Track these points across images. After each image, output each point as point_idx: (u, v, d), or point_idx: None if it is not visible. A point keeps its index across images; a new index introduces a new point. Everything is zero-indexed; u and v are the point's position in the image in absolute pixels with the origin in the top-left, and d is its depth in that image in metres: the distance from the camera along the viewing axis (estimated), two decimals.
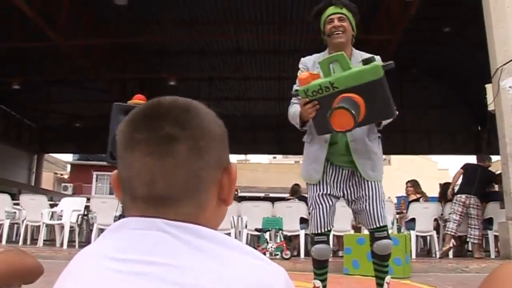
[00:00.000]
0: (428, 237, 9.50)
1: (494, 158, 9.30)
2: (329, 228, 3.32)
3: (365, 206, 3.24)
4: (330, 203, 3.31)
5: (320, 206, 3.32)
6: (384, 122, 3.19)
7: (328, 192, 3.31)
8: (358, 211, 3.32)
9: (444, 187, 9.70)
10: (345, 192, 3.33)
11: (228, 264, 0.79)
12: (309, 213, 3.41)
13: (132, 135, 0.85)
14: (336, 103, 2.78)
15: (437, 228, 8.98)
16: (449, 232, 8.24)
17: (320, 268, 3.42)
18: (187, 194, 0.84)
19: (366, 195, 3.25)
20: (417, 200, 9.48)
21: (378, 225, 3.22)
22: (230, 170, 0.91)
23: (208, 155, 0.86)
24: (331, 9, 3.38)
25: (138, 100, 5.18)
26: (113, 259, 0.80)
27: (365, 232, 6.59)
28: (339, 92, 2.85)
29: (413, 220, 8.60)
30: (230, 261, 0.80)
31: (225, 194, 0.90)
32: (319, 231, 3.31)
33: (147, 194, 0.84)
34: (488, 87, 5.82)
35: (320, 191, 3.34)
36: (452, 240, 8.22)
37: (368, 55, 3.15)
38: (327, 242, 3.33)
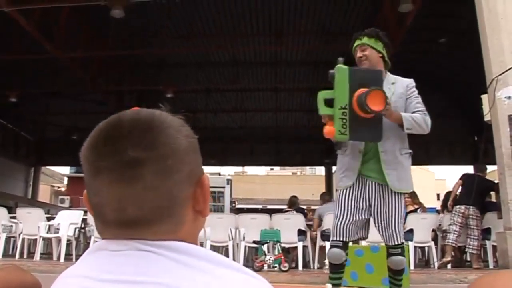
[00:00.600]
0: (426, 248, 9.48)
1: (491, 168, 9.31)
2: (347, 239, 3.57)
3: (387, 223, 3.52)
4: (352, 213, 3.56)
5: (343, 215, 3.57)
6: (408, 127, 3.53)
7: (353, 201, 3.58)
8: (379, 224, 3.57)
9: (447, 196, 9.69)
10: (372, 204, 3.58)
11: (216, 279, 0.77)
12: (333, 218, 3.69)
13: (96, 163, 0.82)
14: (359, 93, 3.30)
15: (435, 239, 8.96)
16: (449, 243, 8.22)
17: (334, 272, 3.65)
18: (161, 215, 0.82)
19: (389, 212, 3.52)
20: (414, 211, 9.47)
21: (394, 243, 3.51)
22: (203, 182, 0.88)
23: (177, 173, 0.83)
24: (355, 43, 3.93)
25: None
26: (98, 280, 0.78)
27: (363, 243, 6.60)
28: (350, 104, 3.34)
29: (411, 231, 8.58)
30: (217, 276, 0.78)
31: (200, 206, 0.87)
32: (336, 238, 3.56)
33: (118, 220, 0.81)
34: (484, 97, 5.84)
35: (346, 198, 3.60)
36: (452, 252, 8.21)
37: (400, 79, 3.82)
38: (342, 247, 3.55)
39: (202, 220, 0.91)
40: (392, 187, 3.52)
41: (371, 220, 3.64)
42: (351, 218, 3.56)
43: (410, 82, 3.83)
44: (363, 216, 3.59)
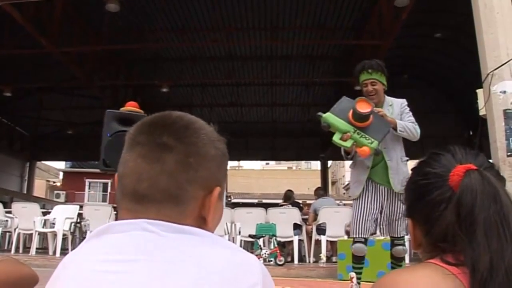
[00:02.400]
0: None
1: None
2: (366, 236, 4.34)
3: (393, 219, 4.31)
4: (367, 214, 4.32)
5: (361, 216, 4.34)
6: (400, 129, 4.28)
7: (368, 204, 4.35)
8: (387, 219, 4.34)
9: None
10: (383, 205, 4.34)
11: (208, 256, 0.85)
12: (351, 221, 4.50)
13: (135, 137, 0.95)
14: (352, 115, 4.00)
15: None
16: None
17: (357, 263, 4.44)
18: (168, 199, 0.91)
19: (394, 210, 4.31)
20: None
21: (398, 235, 4.34)
22: (214, 192, 0.96)
23: (195, 172, 0.93)
24: (364, 75, 4.45)
25: (130, 107, 5.17)
26: (99, 261, 0.85)
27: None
28: (352, 125, 4.05)
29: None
30: (210, 254, 0.86)
31: (205, 212, 0.95)
32: (358, 236, 4.34)
33: (133, 191, 0.92)
34: (479, 92, 5.84)
35: (361, 203, 4.37)
36: None
37: (395, 100, 4.59)
38: (364, 243, 4.35)
39: (206, 230, 0.95)
40: (395, 189, 4.27)
41: (380, 217, 4.37)
42: (368, 218, 4.33)
43: (403, 101, 4.62)
44: (375, 216, 4.34)
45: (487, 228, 0.93)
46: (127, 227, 0.89)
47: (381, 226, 4.41)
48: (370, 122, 4.06)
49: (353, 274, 4.41)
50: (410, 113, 4.54)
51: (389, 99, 4.58)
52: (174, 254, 0.84)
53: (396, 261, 4.45)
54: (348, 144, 4.08)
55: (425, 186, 1.06)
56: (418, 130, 4.42)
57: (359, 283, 4.39)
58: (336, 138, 4.11)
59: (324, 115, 4.15)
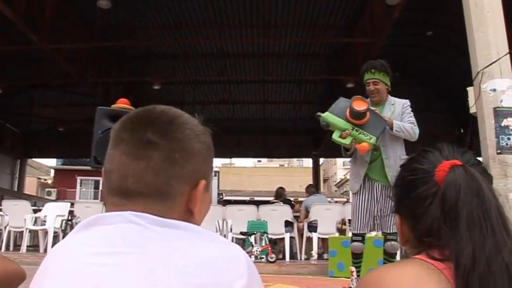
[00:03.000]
0: None
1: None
2: (366, 231, 4.59)
3: (386, 215, 4.45)
4: (367, 211, 4.53)
5: (360, 212, 4.56)
6: (396, 129, 4.49)
7: (365, 200, 4.55)
8: (381, 216, 4.51)
9: None
10: (378, 200, 4.52)
11: (194, 248, 0.86)
12: (351, 216, 4.74)
13: (119, 134, 0.96)
14: (349, 113, 4.26)
15: None
16: None
17: (356, 259, 4.70)
18: (155, 194, 0.92)
19: (388, 207, 4.42)
20: None
21: (391, 231, 4.47)
22: (199, 185, 0.97)
23: (180, 167, 0.93)
24: (367, 75, 4.70)
25: (122, 104, 5.17)
26: (87, 253, 0.86)
27: (350, 234, 6.66)
28: (350, 122, 4.31)
29: None
30: (196, 246, 0.87)
31: (192, 204, 0.96)
32: (356, 232, 4.60)
33: (119, 187, 0.93)
34: (470, 90, 5.87)
35: (359, 199, 4.57)
36: None
37: (397, 100, 4.82)
38: (361, 241, 4.62)
39: (193, 223, 0.96)
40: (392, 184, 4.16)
41: (375, 213, 4.56)
42: (366, 216, 4.55)
43: (406, 101, 4.84)
44: (373, 214, 4.55)
45: (469, 222, 0.95)
46: (114, 219, 0.90)
47: (376, 222, 4.61)
48: (367, 119, 4.29)
49: (353, 269, 4.68)
50: (411, 114, 4.73)
51: (391, 99, 4.81)
52: (161, 247, 0.85)
53: (389, 257, 4.58)
54: (347, 141, 4.33)
55: (412, 181, 1.09)
56: (417, 131, 4.61)
57: (359, 276, 4.65)
58: (335, 136, 4.37)
59: (323, 114, 4.42)
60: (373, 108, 4.45)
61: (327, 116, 4.40)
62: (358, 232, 4.61)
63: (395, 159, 4.51)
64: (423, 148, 1.14)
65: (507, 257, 0.92)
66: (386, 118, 4.49)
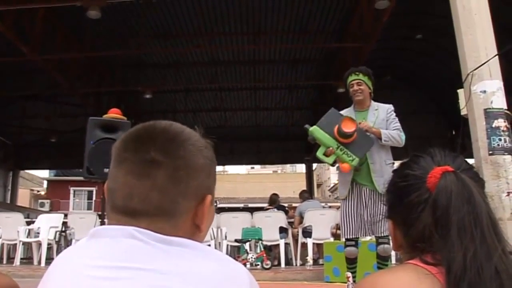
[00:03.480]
0: None
1: (468, 161, 9.42)
2: (357, 236, 4.65)
3: (377, 219, 4.50)
4: (357, 215, 4.60)
5: (349, 217, 4.63)
6: (385, 139, 4.60)
7: (355, 205, 4.62)
8: (371, 220, 4.56)
9: None
10: (367, 205, 4.59)
11: (196, 266, 0.86)
12: (340, 222, 4.77)
13: (122, 153, 0.95)
14: (337, 131, 4.36)
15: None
16: None
17: (351, 264, 4.75)
18: (161, 213, 0.91)
19: (378, 210, 4.52)
20: None
21: (383, 235, 4.50)
22: (205, 200, 0.97)
23: (185, 184, 0.93)
24: (351, 77, 4.87)
25: (113, 114, 5.17)
26: (87, 266, 0.86)
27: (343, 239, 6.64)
28: (336, 140, 4.43)
29: None
30: (197, 263, 0.86)
31: (198, 220, 0.96)
32: (349, 237, 4.66)
33: (124, 206, 0.92)
34: (460, 92, 5.90)
35: (349, 204, 4.65)
36: None
37: (381, 105, 4.92)
38: (355, 246, 4.70)
39: (199, 235, 0.99)
40: (379, 191, 4.48)
41: (366, 217, 4.60)
42: (357, 220, 4.61)
43: (390, 107, 4.90)
44: (364, 218, 4.60)
45: (460, 229, 0.96)
46: (116, 233, 0.90)
47: (367, 226, 4.63)
48: (353, 138, 4.42)
49: (349, 274, 4.71)
50: (396, 119, 4.83)
51: (375, 104, 4.90)
52: (163, 264, 0.84)
53: (382, 261, 4.63)
54: (330, 160, 4.56)
55: (404, 188, 1.09)
56: (403, 137, 4.72)
57: (355, 282, 4.68)
58: (319, 153, 4.56)
59: (311, 128, 4.56)
60: (363, 124, 4.58)
61: (315, 130, 4.52)
62: (351, 237, 4.69)
63: (380, 164, 4.63)
64: (415, 154, 1.15)
65: (498, 263, 0.92)
66: (374, 129, 4.61)
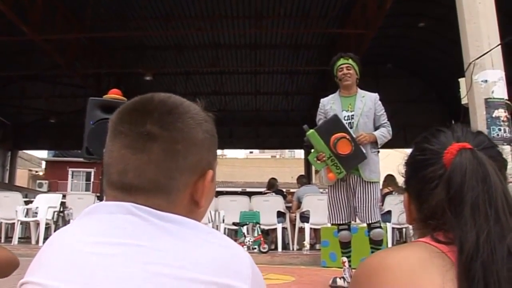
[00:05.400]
0: (404, 229, 9.61)
1: None
2: (348, 221, 4.79)
3: (366, 205, 4.66)
4: (346, 200, 4.75)
5: (339, 203, 4.78)
6: (380, 143, 4.76)
7: (344, 191, 4.76)
8: (361, 206, 4.68)
9: None
10: (356, 191, 4.71)
11: (195, 245, 0.84)
12: (329, 208, 4.88)
13: (117, 127, 0.92)
14: (333, 142, 4.51)
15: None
16: None
17: (345, 248, 4.84)
18: (157, 188, 0.89)
19: (367, 197, 4.66)
20: (390, 193, 9.55)
21: (373, 220, 4.66)
22: (207, 175, 0.94)
23: (184, 159, 0.90)
24: (341, 61, 4.93)
25: (114, 95, 5.15)
26: (85, 243, 0.84)
27: None
28: (330, 150, 4.57)
29: (389, 212, 8.70)
30: (197, 243, 0.84)
31: (198, 196, 0.93)
32: (339, 222, 4.80)
33: (119, 182, 0.90)
34: (461, 81, 5.90)
35: (338, 190, 4.79)
36: None
37: (368, 93, 4.92)
38: (348, 229, 4.83)
39: (198, 212, 0.96)
40: (365, 178, 4.68)
41: (355, 204, 4.72)
42: (344, 204, 4.76)
43: (376, 96, 4.93)
44: (351, 204, 4.74)
45: (474, 208, 0.94)
46: (114, 209, 0.87)
47: (359, 213, 4.74)
48: (348, 153, 4.56)
49: (344, 259, 4.79)
50: (383, 110, 4.90)
51: (361, 92, 4.94)
52: (160, 241, 0.83)
53: (375, 245, 4.72)
54: (319, 166, 4.76)
55: (421, 161, 1.07)
56: (391, 131, 4.85)
57: (350, 266, 4.77)
58: (311, 157, 4.77)
59: (309, 132, 4.66)
60: (360, 136, 4.66)
61: (312, 135, 4.64)
62: (341, 222, 4.80)
63: (366, 152, 4.70)
64: (437, 128, 1.13)
65: (511, 244, 0.91)
66: (372, 138, 4.72)
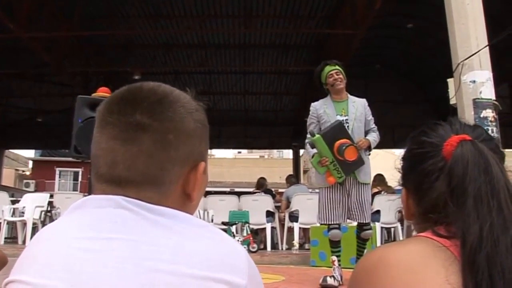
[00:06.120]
0: (392, 229, 9.66)
1: None
2: (340, 222, 4.92)
3: (360, 206, 4.87)
4: (339, 201, 4.89)
5: (332, 204, 4.91)
6: (372, 148, 4.99)
7: (338, 192, 4.90)
8: (355, 207, 4.88)
9: None
10: (350, 193, 4.90)
11: (189, 240, 0.81)
12: (320, 208, 5.01)
13: (105, 117, 0.88)
14: (337, 148, 4.66)
15: (401, 220, 9.13)
16: None
17: (335, 247, 4.97)
18: (148, 180, 0.86)
19: (361, 198, 4.88)
20: (378, 192, 9.60)
21: (366, 221, 4.92)
22: (199, 167, 0.92)
23: (175, 149, 0.87)
24: (328, 68, 5.08)
25: (102, 93, 5.12)
26: (74, 238, 0.81)
27: None
28: (333, 155, 4.73)
29: (378, 212, 8.73)
30: (191, 237, 0.82)
31: (190, 188, 0.90)
32: (332, 222, 4.91)
33: (108, 174, 0.87)
34: (450, 81, 5.93)
35: (333, 191, 4.92)
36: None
37: (357, 99, 5.13)
38: (338, 228, 4.95)
39: (190, 206, 0.93)
40: (360, 180, 4.89)
41: (349, 205, 4.90)
42: (340, 207, 4.89)
43: (365, 101, 5.16)
44: (348, 205, 4.90)
45: (477, 199, 0.93)
46: (104, 203, 0.85)
47: (353, 213, 4.93)
48: (352, 158, 4.72)
49: (334, 258, 4.92)
50: (371, 116, 5.15)
51: (352, 97, 5.14)
52: (152, 235, 0.80)
53: (362, 241, 5.08)
54: (321, 170, 4.87)
55: (419, 155, 1.07)
56: (379, 135, 5.13)
57: (340, 265, 4.90)
58: (315, 161, 4.87)
59: (315, 137, 4.78)
60: (361, 141, 4.87)
61: (318, 140, 4.76)
62: (333, 223, 4.94)
63: (361, 155, 4.89)
64: (434, 122, 1.12)
65: None
66: (366, 140, 4.94)
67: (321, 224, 5.16)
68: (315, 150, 4.89)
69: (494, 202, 0.93)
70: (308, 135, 4.96)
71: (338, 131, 4.79)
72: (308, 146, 4.97)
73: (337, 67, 5.07)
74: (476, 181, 0.95)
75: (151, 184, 0.86)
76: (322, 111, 5.03)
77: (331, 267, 4.97)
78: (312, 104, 5.19)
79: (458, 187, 0.96)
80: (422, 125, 1.14)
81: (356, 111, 5.00)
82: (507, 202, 0.94)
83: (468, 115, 5.55)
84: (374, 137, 5.01)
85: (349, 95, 5.12)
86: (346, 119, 4.95)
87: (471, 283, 0.86)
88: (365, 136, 5.01)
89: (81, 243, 0.80)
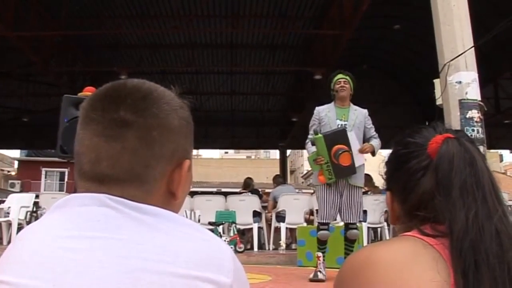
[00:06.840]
0: (379, 229, 9.70)
1: None
2: (330, 221, 5.30)
3: (350, 207, 5.23)
4: (331, 201, 5.22)
5: (327, 202, 5.23)
6: (376, 153, 5.35)
7: (332, 192, 5.23)
8: (346, 207, 5.23)
9: None
10: (343, 194, 5.24)
11: (174, 238, 0.80)
12: (319, 205, 5.38)
13: (89, 114, 0.87)
14: (335, 151, 4.98)
15: (388, 220, 9.16)
16: None
17: (322, 245, 5.29)
18: (133, 178, 0.85)
19: (354, 200, 5.23)
20: (365, 193, 9.62)
21: (353, 221, 5.25)
22: (183, 165, 0.91)
23: (160, 146, 0.87)
24: (339, 75, 5.55)
25: (89, 92, 5.09)
26: (57, 237, 0.80)
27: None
28: (329, 157, 5.06)
29: (364, 212, 8.75)
30: (176, 236, 0.81)
31: (174, 187, 0.90)
32: (323, 221, 5.25)
33: (91, 171, 0.85)
34: (436, 82, 5.98)
35: (327, 191, 5.25)
36: None
37: (359, 108, 5.55)
38: (327, 229, 5.28)
39: (175, 204, 0.92)
40: (352, 183, 5.22)
41: (340, 205, 5.24)
42: (332, 207, 5.22)
43: (366, 111, 5.58)
44: (338, 205, 5.24)
45: (462, 190, 0.96)
46: (88, 201, 0.83)
47: (342, 213, 5.28)
48: (347, 165, 5.05)
49: (319, 254, 5.21)
50: (371, 124, 5.56)
51: (354, 106, 5.52)
52: (137, 234, 0.79)
53: (349, 243, 5.31)
54: (315, 168, 5.23)
55: (404, 155, 1.08)
56: (380, 141, 5.47)
57: (324, 261, 5.21)
58: (311, 158, 5.21)
59: (317, 136, 5.10)
60: (364, 147, 5.28)
61: (319, 139, 5.09)
62: (324, 221, 5.26)
63: (361, 162, 5.30)
64: (417, 125, 1.15)
65: (498, 224, 0.93)
66: (371, 145, 5.33)
67: (319, 222, 5.37)
68: (314, 148, 5.21)
69: (479, 192, 0.96)
70: (312, 132, 5.31)
71: (340, 136, 5.12)
72: (309, 143, 5.34)
73: (347, 77, 5.51)
74: (461, 173, 0.97)
75: (135, 181, 0.85)
76: (324, 114, 5.44)
77: (316, 267, 5.04)
78: (317, 107, 5.60)
79: (444, 179, 0.98)
80: (406, 128, 1.16)
81: (356, 119, 5.41)
82: (491, 193, 0.97)
83: (454, 116, 5.59)
84: (376, 143, 5.39)
85: (351, 104, 5.52)
86: (345, 124, 5.35)
87: (459, 269, 0.88)
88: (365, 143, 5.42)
89: (64, 242, 0.79)
